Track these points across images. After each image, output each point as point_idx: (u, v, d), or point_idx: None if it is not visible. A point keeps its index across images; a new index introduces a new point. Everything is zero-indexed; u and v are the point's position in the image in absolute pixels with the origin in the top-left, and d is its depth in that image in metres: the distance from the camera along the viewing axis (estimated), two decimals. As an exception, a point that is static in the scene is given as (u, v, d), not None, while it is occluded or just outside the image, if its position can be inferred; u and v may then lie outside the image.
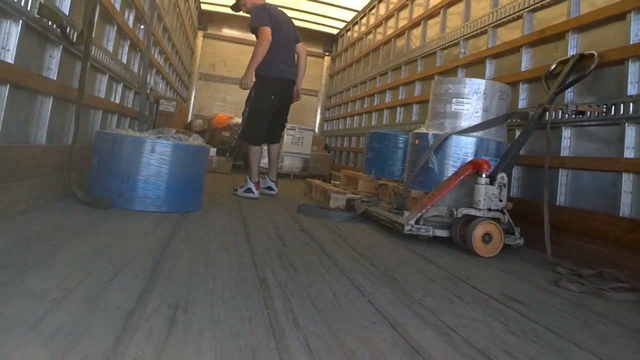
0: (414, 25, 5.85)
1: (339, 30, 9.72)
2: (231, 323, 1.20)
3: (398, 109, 5.97)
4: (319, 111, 10.34)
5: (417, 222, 2.70)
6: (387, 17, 6.91)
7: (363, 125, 7.31)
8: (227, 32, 9.74)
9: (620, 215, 2.47)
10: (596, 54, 2.74)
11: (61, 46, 2.51)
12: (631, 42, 2.58)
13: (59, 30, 2.37)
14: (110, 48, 3.45)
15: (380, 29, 7.26)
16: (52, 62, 2.49)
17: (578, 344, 1.37)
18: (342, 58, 9.42)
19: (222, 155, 6.76)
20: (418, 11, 5.84)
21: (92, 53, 2.90)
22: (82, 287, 1.31)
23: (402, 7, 6.38)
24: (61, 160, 2.56)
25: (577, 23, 3.02)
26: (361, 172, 4.79)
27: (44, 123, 2.46)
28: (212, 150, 6.47)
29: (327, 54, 10.36)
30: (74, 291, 1.27)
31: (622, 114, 2.56)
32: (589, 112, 2.77)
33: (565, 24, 3.11)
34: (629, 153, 2.52)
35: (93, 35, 2.75)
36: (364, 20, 8.22)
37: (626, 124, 2.53)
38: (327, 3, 8.35)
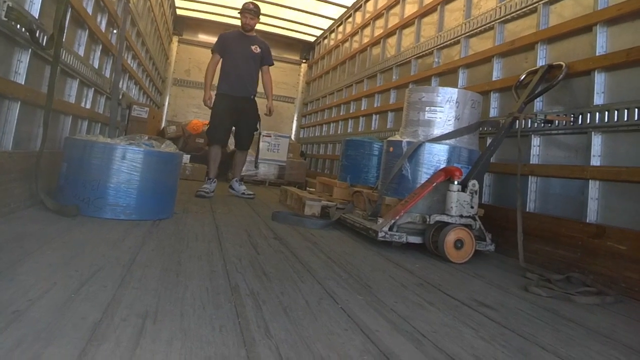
0: (390, 34, 5.93)
1: (316, 38, 9.77)
2: (201, 332, 1.18)
3: (373, 116, 6.03)
4: (295, 118, 10.34)
5: (390, 229, 2.72)
6: (363, 26, 6.98)
7: (339, 132, 7.34)
8: (202, 37, 9.67)
9: (587, 221, 2.54)
10: (564, 64, 2.82)
11: (30, 50, 2.46)
12: (597, 54, 2.67)
13: (27, 33, 2.32)
14: (81, 52, 3.39)
15: (356, 38, 7.32)
16: (20, 66, 2.43)
17: (545, 347, 1.40)
18: (319, 65, 9.47)
19: (196, 162, 6.68)
20: (393, 20, 5.92)
21: (63, 57, 2.84)
22: (47, 297, 1.28)
23: (377, 17, 6.46)
24: (28, 167, 2.49)
25: (546, 35, 3.11)
26: (336, 179, 4.80)
27: (11, 128, 2.39)
28: (186, 157, 6.40)
29: (304, 61, 10.39)
30: (38, 302, 1.23)
31: (589, 123, 2.64)
32: (557, 121, 2.85)
33: (535, 35, 3.20)
34: (595, 161, 2.59)
35: (64, 39, 2.70)
36: (340, 29, 8.29)
37: (592, 132, 2.61)
38: (304, 11, 8.39)
